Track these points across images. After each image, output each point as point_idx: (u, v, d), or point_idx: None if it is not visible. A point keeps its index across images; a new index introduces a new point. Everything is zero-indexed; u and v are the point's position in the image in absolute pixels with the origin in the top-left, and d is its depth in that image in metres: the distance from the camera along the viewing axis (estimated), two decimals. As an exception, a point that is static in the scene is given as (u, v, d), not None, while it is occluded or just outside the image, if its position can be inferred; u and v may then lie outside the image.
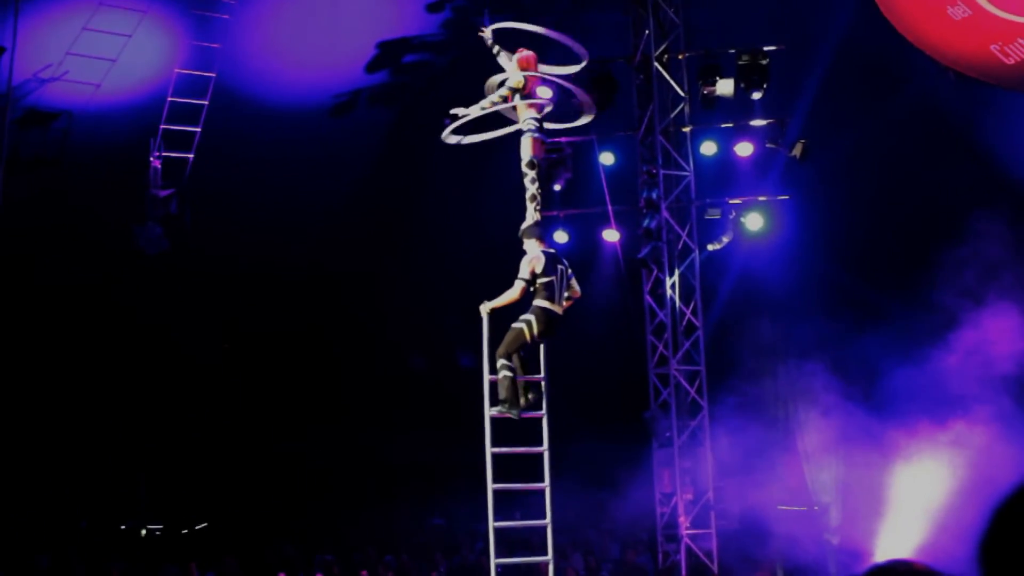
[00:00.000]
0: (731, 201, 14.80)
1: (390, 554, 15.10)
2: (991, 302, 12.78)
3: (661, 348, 14.63)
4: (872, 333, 13.14)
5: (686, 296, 14.77)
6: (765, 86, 14.42)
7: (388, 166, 17.08)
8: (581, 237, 15.31)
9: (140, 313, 16.81)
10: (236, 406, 18.42)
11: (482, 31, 9.31)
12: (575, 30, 15.64)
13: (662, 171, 14.64)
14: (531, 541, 12.31)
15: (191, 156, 14.88)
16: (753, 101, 14.63)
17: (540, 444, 8.64)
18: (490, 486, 8.29)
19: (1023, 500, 2.10)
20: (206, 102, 14.87)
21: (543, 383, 8.66)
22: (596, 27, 15.86)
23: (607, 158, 15.31)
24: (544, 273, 8.44)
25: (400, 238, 18.01)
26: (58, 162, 14.99)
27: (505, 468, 8.48)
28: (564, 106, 11.10)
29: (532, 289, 8.46)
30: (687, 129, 14.97)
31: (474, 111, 8.99)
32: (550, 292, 8.44)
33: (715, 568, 13.83)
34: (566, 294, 8.61)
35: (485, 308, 8.47)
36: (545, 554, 8.58)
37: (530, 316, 8.39)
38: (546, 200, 14.32)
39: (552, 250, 8.77)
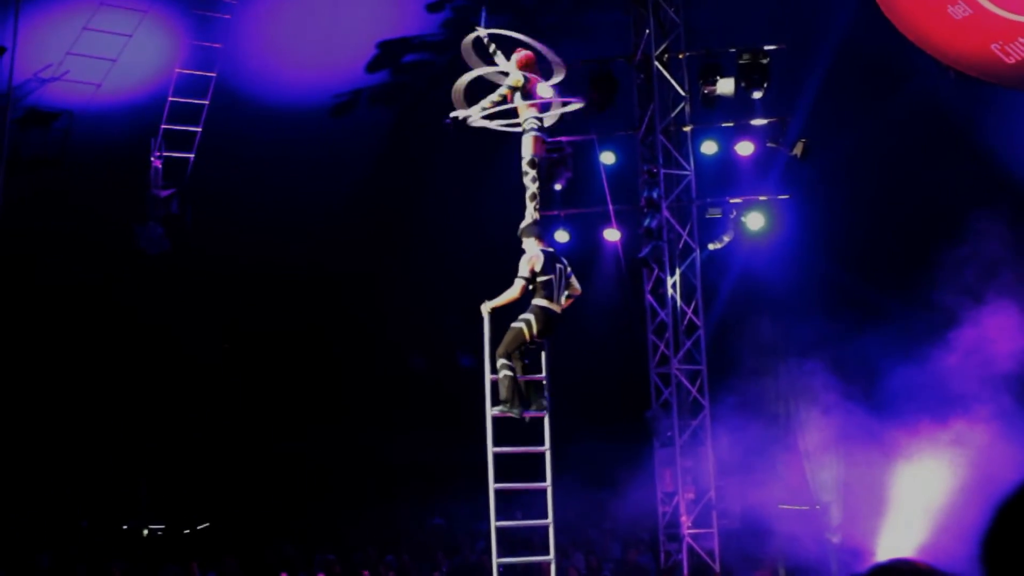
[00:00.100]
0: (732, 200, 14.81)
1: (391, 554, 15.10)
2: (991, 301, 12.79)
3: (662, 347, 14.64)
4: (873, 332, 13.15)
5: (687, 295, 14.77)
6: (766, 85, 14.43)
7: (388, 166, 17.09)
8: (582, 236, 15.32)
9: (141, 313, 16.82)
10: (236, 406, 18.43)
11: (478, 31, 9.32)
12: (576, 30, 15.74)
13: (663, 170, 14.64)
14: (532, 541, 12.31)
15: (192, 156, 14.88)
16: (754, 100, 14.63)
17: (541, 444, 8.65)
18: (492, 486, 8.30)
19: (1025, 498, 2.10)
20: (207, 102, 14.88)
21: (545, 383, 8.67)
22: (597, 27, 15.89)
23: (608, 157, 15.31)
24: (543, 272, 8.46)
25: (400, 238, 18.02)
26: (59, 162, 15.00)
27: (506, 468, 8.49)
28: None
29: (531, 288, 8.47)
30: (688, 128, 14.97)
31: (475, 112, 9.00)
32: (549, 291, 8.46)
33: (717, 567, 13.83)
34: (566, 293, 8.63)
35: (486, 308, 8.48)
36: (547, 554, 8.59)
37: (529, 315, 8.41)
38: (547, 199, 14.37)
39: (551, 249, 8.78)
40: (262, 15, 15.87)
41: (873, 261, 15.84)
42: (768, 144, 14.55)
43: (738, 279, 15.69)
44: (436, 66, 16.54)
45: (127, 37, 14.60)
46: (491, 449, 8.37)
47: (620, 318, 15.99)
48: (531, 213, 8.76)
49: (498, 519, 8.35)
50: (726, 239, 14.77)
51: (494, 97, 8.92)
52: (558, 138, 14.01)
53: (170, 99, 14.80)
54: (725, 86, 14.50)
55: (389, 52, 16.50)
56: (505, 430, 8.50)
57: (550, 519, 8.54)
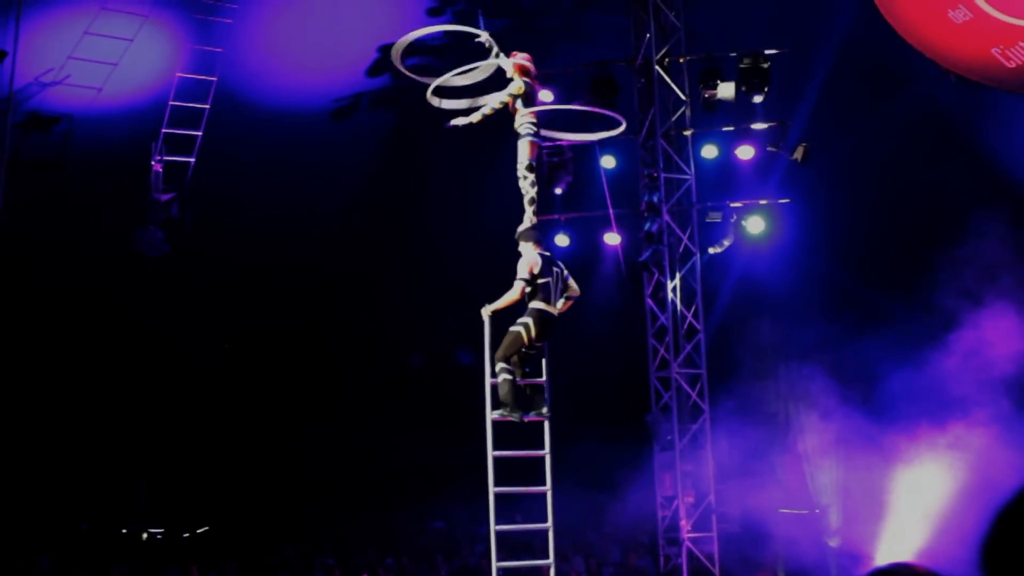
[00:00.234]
0: (732, 204, 14.81)
1: (391, 557, 15.11)
2: (991, 304, 12.80)
3: (662, 351, 14.63)
4: (872, 336, 13.16)
5: (687, 299, 14.77)
6: (766, 89, 14.43)
7: (389, 169, 17.10)
8: (582, 240, 15.33)
9: (141, 316, 16.84)
10: (237, 408, 18.43)
11: (479, 36, 9.33)
12: (576, 33, 15.76)
13: (663, 174, 14.64)
14: (532, 544, 12.32)
15: (192, 160, 14.89)
16: (754, 104, 14.63)
17: (541, 447, 8.66)
18: (491, 489, 8.30)
19: None
20: (207, 106, 14.89)
21: (544, 386, 8.68)
22: (597, 30, 15.90)
23: (608, 161, 15.32)
24: (541, 275, 8.48)
25: (400, 238, 18.03)
26: (59, 166, 15.00)
27: (506, 471, 8.49)
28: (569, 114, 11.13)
29: (529, 291, 8.48)
30: (688, 132, 14.97)
31: (475, 118, 9.01)
32: (546, 294, 8.48)
33: (716, 571, 13.82)
34: (564, 295, 8.64)
35: (486, 311, 8.48)
36: (546, 557, 8.58)
37: (527, 319, 8.42)
38: (548, 204, 14.39)
39: (548, 252, 8.80)
40: (263, 19, 15.88)
41: (873, 264, 15.85)
42: (768, 148, 14.56)
43: (738, 283, 15.69)
44: (437, 70, 16.53)
45: (128, 41, 14.61)
46: (491, 452, 8.37)
47: (620, 322, 15.99)
48: (529, 217, 8.78)
49: (498, 523, 8.34)
50: (726, 243, 14.77)
51: (495, 104, 8.93)
52: (558, 142, 14.01)
53: (171, 103, 14.80)
54: (726, 90, 14.51)
55: (390, 56, 16.49)
56: (505, 433, 8.50)
57: (550, 523, 8.53)
